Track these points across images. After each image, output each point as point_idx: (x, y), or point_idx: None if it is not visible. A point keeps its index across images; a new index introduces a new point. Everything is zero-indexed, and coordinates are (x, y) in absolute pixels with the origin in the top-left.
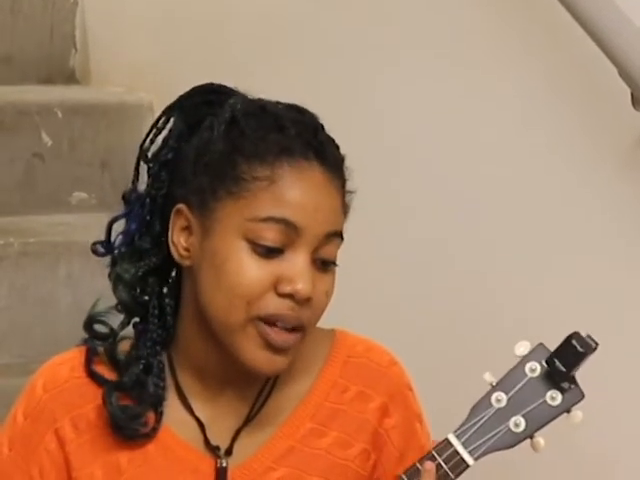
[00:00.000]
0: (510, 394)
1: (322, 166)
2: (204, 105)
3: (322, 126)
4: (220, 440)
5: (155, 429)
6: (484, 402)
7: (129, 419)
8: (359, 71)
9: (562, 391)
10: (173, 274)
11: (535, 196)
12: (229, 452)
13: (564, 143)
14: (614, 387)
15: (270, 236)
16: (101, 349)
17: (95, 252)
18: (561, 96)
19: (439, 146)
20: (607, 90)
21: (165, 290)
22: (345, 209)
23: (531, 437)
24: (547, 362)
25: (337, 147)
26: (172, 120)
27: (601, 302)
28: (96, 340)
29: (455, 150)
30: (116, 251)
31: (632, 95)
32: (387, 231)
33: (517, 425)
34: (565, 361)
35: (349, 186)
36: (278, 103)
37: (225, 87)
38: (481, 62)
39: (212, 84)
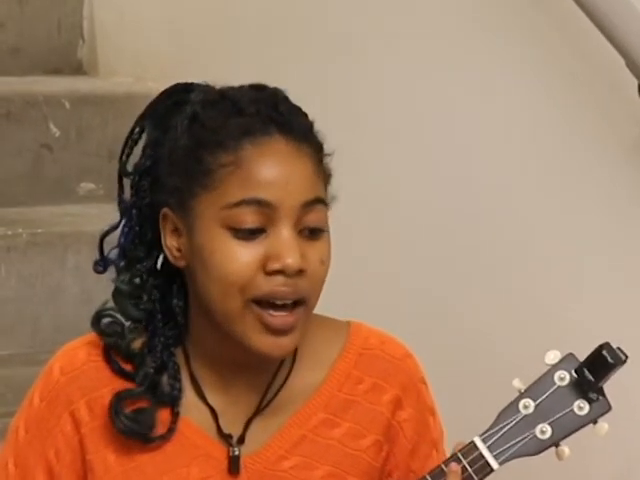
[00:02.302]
0: (538, 401)
1: (286, 137)
2: (174, 107)
3: (284, 98)
4: (233, 428)
5: (171, 430)
6: (512, 408)
7: (139, 426)
8: (367, 63)
9: (590, 401)
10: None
11: (541, 186)
12: (242, 440)
13: (570, 134)
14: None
15: (247, 219)
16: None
17: (97, 271)
18: (568, 87)
19: (443, 138)
20: (614, 81)
21: (174, 291)
22: (323, 174)
23: (556, 445)
24: (576, 372)
25: (303, 115)
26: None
27: (613, 292)
28: (104, 336)
29: (458, 143)
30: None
31: (639, 86)
32: (405, 224)
33: (543, 432)
34: (594, 371)
35: (326, 149)
36: (241, 86)
37: (192, 85)
38: (486, 53)
39: (178, 84)
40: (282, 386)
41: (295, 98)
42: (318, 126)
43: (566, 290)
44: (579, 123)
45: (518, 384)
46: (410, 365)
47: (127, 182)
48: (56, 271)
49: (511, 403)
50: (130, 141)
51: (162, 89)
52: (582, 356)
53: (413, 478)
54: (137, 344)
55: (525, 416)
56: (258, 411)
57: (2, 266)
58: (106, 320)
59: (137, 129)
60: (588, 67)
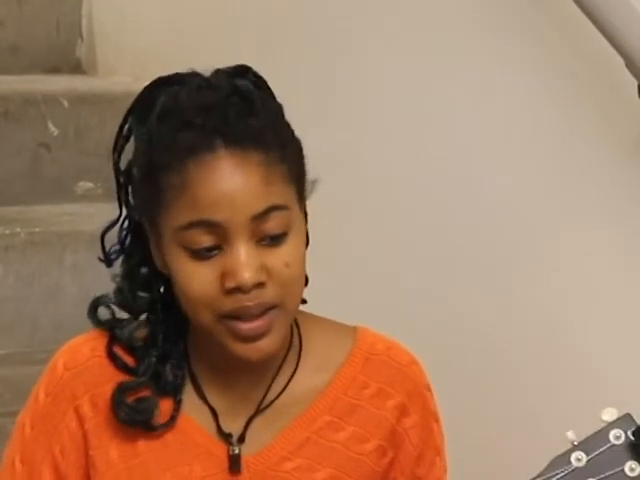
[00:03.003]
0: (590, 456)
1: (230, 149)
2: (153, 104)
3: (240, 97)
4: (234, 427)
5: (173, 418)
6: (564, 458)
7: (141, 414)
8: (367, 62)
9: None
10: None
11: (540, 186)
12: (242, 439)
13: (570, 134)
14: None
15: (199, 239)
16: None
17: (107, 266)
18: (568, 87)
19: (443, 137)
20: (614, 82)
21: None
22: (286, 173)
23: None
24: (634, 433)
25: (259, 111)
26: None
27: (613, 292)
28: (99, 325)
29: (458, 143)
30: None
31: (639, 87)
32: (405, 224)
33: None
34: None
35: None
36: (216, 73)
37: (173, 77)
38: (486, 53)
39: (159, 79)
40: (285, 387)
41: (295, 97)
42: (317, 124)
43: (566, 290)
44: (579, 123)
45: (572, 436)
46: (416, 372)
47: None
48: (54, 270)
49: (563, 453)
50: (120, 138)
51: None
52: (583, 358)
53: None
54: (140, 335)
55: (576, 469)
56: (259, 410)
57: (0, 265)
58: (102, 309)
59: (126, 125)
60: (588, 68)
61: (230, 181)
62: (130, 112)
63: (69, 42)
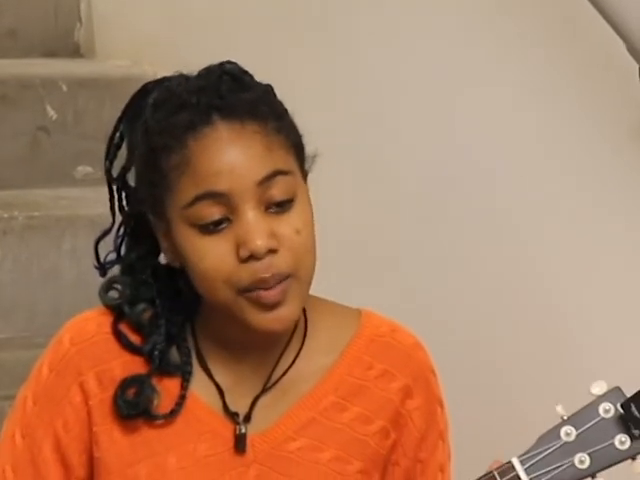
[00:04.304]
0: (580, 430)
1: (228, 121)
2: (141, 109)
3: (230, 76)
4: (240, 406)
5: (174, 412)
6: (553, 433)
7: (138, 408)
8: (368, 50)
9: (632, 437)
10: None
11: (542, 171)
12: (248, 419)
13: (571, 118)
14: None
15: (207, 213)
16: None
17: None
18: (569, 71)
19: (445, 130)
20: (615, 65)
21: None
22: (284, 141)
23: (592, 476)
24: (622, 406)
25: (249, 87)
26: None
27: (612, 281)
28: (108, 302)
29: (460, 134)
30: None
31: None
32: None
33: (582, 462)
34: None
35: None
36: (206, 68)
37: (161, 78)
38: (485, 39)
39: (147, 84)
40: (290, 367)
41: (294, 82)
42: (316, 112)
43: (564, 277)
44: (580, 107)
45: (561, 410)
46: (420, 355)
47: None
48: (52, 255)
49: (553, 428)
50: (112, 146)
51: (159, 73)
52: (581, 352)
53: (420, 468)
54: (147, 314)
55: (565, 443)
56: (264, 390)
57: None
58: (113, 292)
59: (118, 132)
60: (590, 51)
61: (231, 151)
62: (121, 119)
63: (67, 26)
